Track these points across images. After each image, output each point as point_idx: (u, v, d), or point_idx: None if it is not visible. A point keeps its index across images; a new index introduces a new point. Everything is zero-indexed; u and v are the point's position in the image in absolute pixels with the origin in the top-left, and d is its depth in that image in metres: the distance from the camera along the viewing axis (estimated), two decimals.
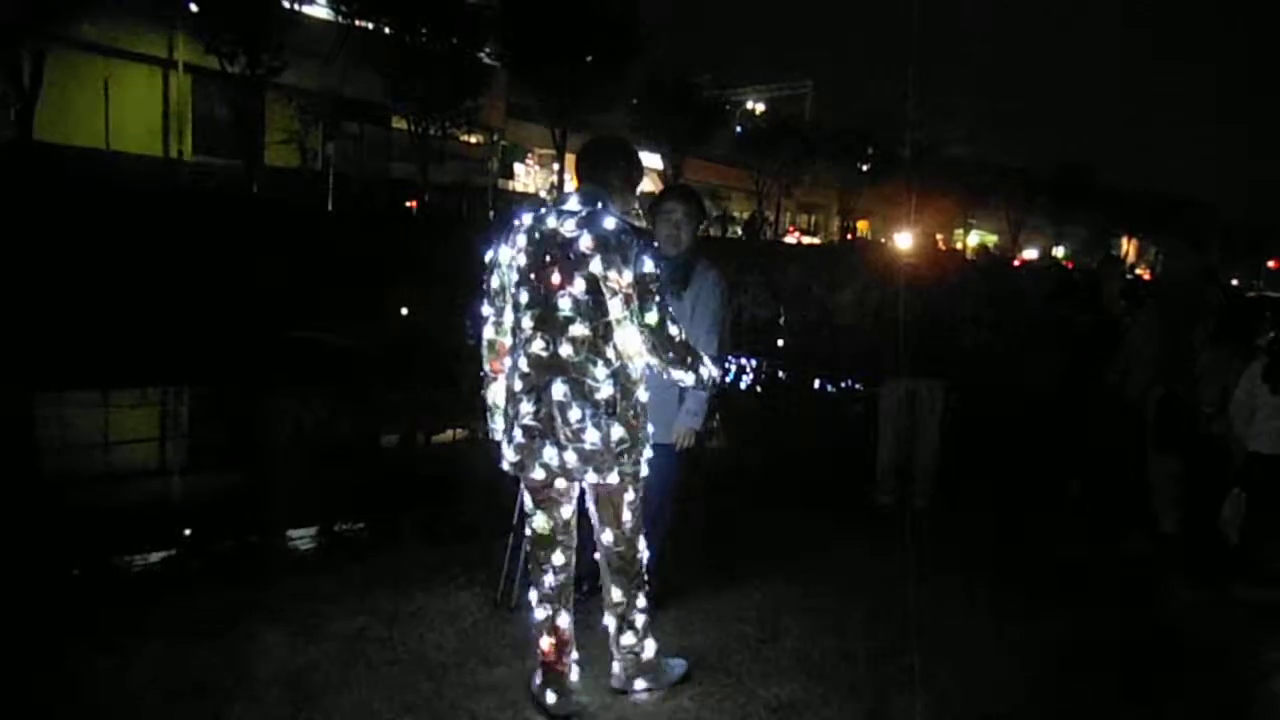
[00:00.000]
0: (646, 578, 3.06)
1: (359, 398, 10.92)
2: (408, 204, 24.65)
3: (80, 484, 6.92)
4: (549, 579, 3.00)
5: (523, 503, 3.10)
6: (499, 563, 3.82)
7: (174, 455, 8.45)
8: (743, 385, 11.96)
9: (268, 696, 3.04)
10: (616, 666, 3.11)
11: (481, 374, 3.09)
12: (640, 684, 3.09)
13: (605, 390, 2.77)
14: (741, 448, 7.62)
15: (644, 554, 3.04)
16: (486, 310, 2.99)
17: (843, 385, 12.16)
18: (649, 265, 2.74)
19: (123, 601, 3.94)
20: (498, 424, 3.06)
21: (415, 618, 3.69)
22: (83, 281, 12.27)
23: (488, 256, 2.95)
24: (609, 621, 3.07)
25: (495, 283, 2.94)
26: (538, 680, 3.02)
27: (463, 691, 3.13)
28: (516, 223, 2.90)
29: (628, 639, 3.05)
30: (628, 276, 2.71)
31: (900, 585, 4.37)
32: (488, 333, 3.01)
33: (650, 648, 3.09)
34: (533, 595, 3.05)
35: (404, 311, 15.21)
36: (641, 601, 3.04)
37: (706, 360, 2.93)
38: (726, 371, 4.16)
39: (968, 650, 3.71)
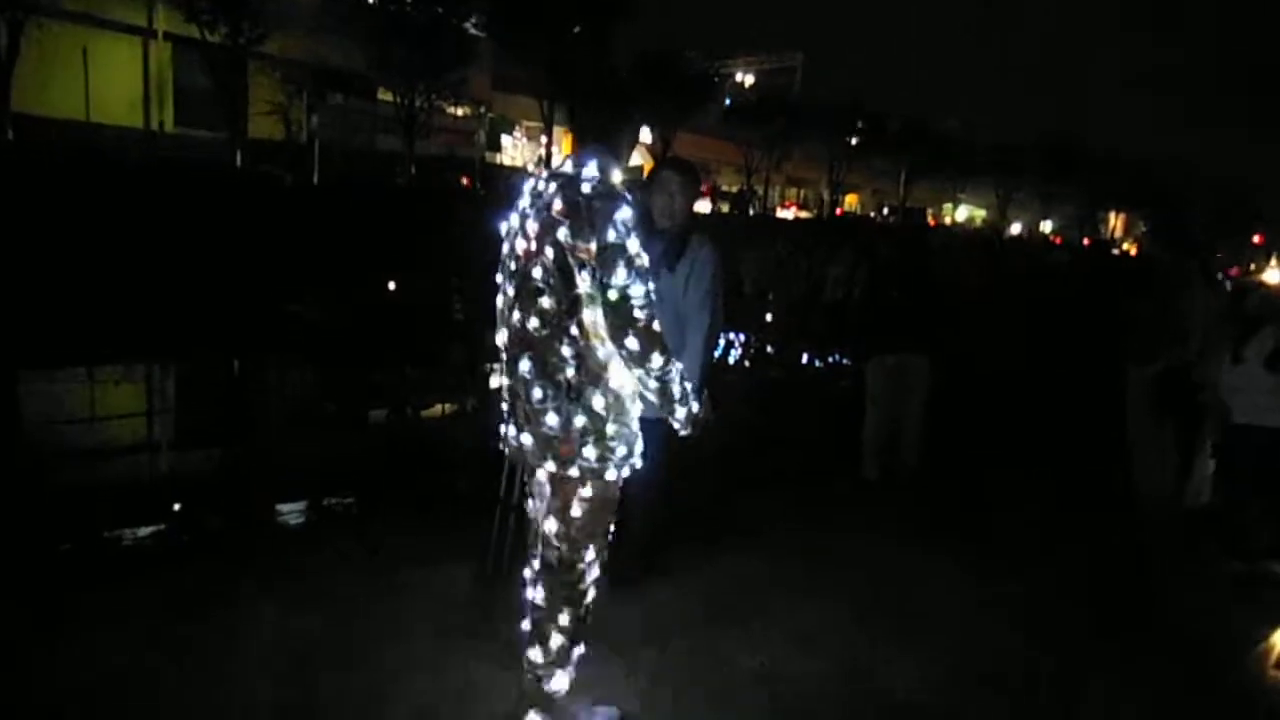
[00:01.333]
0: (585, 603, 2.66)
1: (346, 372, 10.87)
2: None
3: (64, 460, 6.85)
4: (533, 556, 2.94)
5: (509, 476, 3.02)
6: (489, 534, 3.82)
7: (160, 430, 8.38)
8: (731, 360, 11.96)
9: (258, 671, 3.05)
10: (516, 689, 2.77)
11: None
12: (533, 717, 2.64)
13: (569, 370, 2.48)
14: (729, 422, 7.63)
15: (588, 567, 2.62)
16: (499, 279, 2.75)
17: (830, 360, 12.18)
18: (612, 234, 2.40)
19: (108, 579, 3.91)
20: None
21: (406, 589, 3.69)
22: (61, 254, 12.12)
23: (503, 226, 2.74)
24: (524, 625, 2.72)
25: (504, 251, 2.71)
26: (527, 650, 3.00)
27: (453, 661, 3.14)
28: (525, 188, 2.70)
29: (535, 654, 2.63)
30: (595, 245, 2.40)
31: (887, 557, 4.42)
32: (498, 303, 2.76)
33: (560, 680, 2.64)
34: (523, 570, 3.02)
35: (390, 286, 15.12)
36: (565, 619, 2.62)
37: (680, 375, 2.54)
38: (716, 346, 4.12)
39: (956, 619, 3.76)
